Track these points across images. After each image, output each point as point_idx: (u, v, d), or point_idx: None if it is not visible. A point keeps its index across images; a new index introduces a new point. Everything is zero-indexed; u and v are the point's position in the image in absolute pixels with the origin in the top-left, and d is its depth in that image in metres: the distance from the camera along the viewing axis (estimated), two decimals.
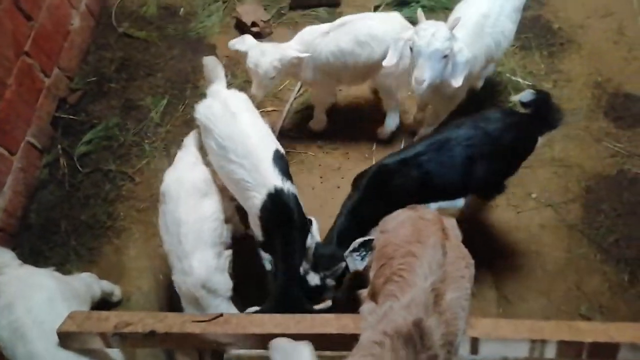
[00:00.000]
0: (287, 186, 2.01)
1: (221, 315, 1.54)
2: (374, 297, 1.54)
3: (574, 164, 2.71)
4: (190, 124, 3.07)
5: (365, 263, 1.91)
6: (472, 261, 1.58)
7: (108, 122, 3.08)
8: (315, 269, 2.04)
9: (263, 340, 1.52)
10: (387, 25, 2.52)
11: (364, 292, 1.72)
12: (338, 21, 2.59)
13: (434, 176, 2.04)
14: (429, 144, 2.05)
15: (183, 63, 3.32)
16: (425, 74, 2.10)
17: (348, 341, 1.48)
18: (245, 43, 2.51)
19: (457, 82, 2.18)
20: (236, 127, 2.09)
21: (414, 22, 3.22)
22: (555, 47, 3.13)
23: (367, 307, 1.52)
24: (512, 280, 2.42)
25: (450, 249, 1.51)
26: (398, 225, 1.65)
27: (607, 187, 2.62)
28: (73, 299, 1.90)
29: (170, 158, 2.92)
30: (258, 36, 3.36)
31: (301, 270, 2.01)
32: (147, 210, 2.78)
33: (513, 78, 3.01)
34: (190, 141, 2.36)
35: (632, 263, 2.41)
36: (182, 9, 3.56)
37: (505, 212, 2.61)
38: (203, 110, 2.23)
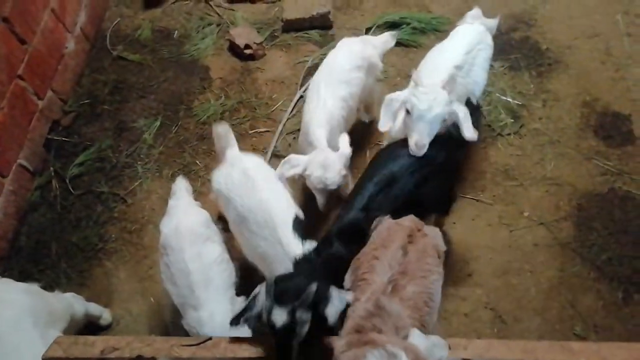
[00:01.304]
0: (306, 247, 1.96)
1: (210, 338, 1.52)
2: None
3: (565, 182, 2.72)
4: (182, 145, 3.08)
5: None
6: (439, 269, 1.72)
7: (101, 144, 3.09)
8: (279, 300, 1.57)
9: None
10: None
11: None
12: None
13: (393, 211, 2.02)
14: (378, 183, 2.07)
15: (176, 85, 3.35)
16: (426, 138, 2.07)
17: None
18: (297, 165, 2.23)
19: (471, 136, 2.14)
20: (256, 197, 2.04)
21: (403, 44, 3.34)
22: (543, 67, 3.18)
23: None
24: (507, 300, 2.41)
25: (413, 251, 1.66)
26: (375, 235, 1.80)
27: (599, 205, 2.63)
28: (46, 317, 1.85)
29: (162, 180, 2.94)
30: (251, 58, 3.41)
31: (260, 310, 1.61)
32: (139, 231, 2.76)
33: (503, 98, 3.05)
34: (179, 186, 2.30)
35: (625, 281, 2.40)
36: (176, 32, 3.61)
37: (499, 230, 2.61)
38: (223, 179, 2.19)
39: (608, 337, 2.26)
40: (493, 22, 2.66)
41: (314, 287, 1.54)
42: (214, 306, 1.88)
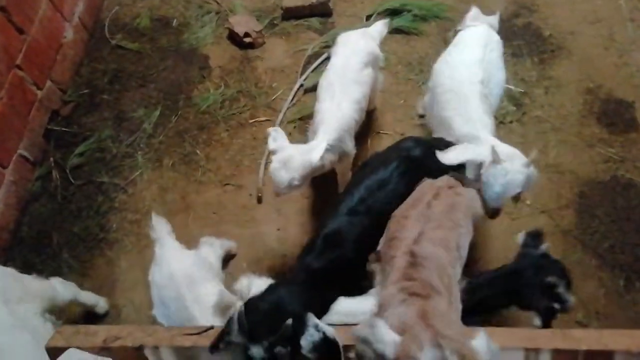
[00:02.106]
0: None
1: (212, 327, 1.53)
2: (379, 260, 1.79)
3: (567, 170, 2.70)
4: (182, 134, 3.07)
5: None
6: (469, 227, 1.84)
7: (101, 134, 3.08)
8: (253, 337, 1.50)
9: None
10: None
11: (372, 256, 1.88)
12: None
13: (384, 213, 1.98)
14: (368, 187, 2.03)
15: (176, 74, 3.33)
16: (500, 203, 2.03)
17: None
18: (275, 142, 2.17)
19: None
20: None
21: (404, 31, 3.30)
22: (546, 53, 3.14)
23: (374, 266, 1.81)
24: None
25: (441, 204, 1.75)
26: (409, 196, 1.89)
27: (601, 193, 2.62)
28: (18, 294, 1.87)
29: (163, 169, 2.93)
30: (250, 46, 3.38)
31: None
32: (140, 221, 2.76)
33: (505, 85, 3.02)
34: (160, 230, 2.17)
35: (627, 269, 2.40)
36: (175, 21, 3.57)
37: (500, 219, 2.58)
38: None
39: (610, 324, 2.26)
40: (494, 19, 2.52)
41: (289, 322, 1.47)
42: None
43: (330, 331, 1.46)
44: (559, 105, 2.94)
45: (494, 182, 1.96)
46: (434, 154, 2.01)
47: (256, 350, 1.48)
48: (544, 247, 1.86)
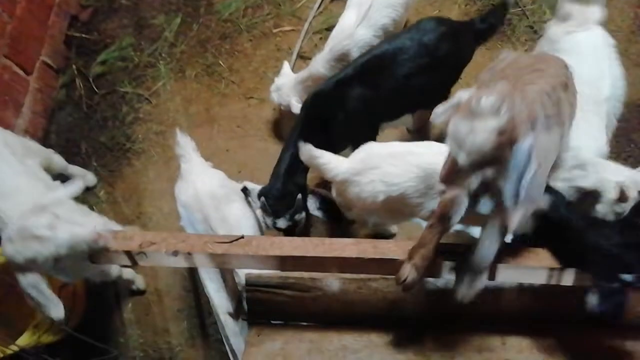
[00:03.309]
0: None
1: (242, 237, 1.57)
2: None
3: None
4: (204, 44, 2.97)
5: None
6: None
7: (122, 42, 3.00)
8: (278, 214, 2.00)
9: (282, 262, 1.56)
10: None
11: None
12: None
13: (372, 98, 1.97)
14: (363, 65, 1.98)
15: None
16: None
17: (367, 265, 1.52)
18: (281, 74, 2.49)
19: None
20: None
21: None
22: None
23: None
24: None
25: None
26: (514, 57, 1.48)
27: None
28: (21, 149, 2.06)
29: (186, 81, 2.87)
30: None
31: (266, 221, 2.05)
32: (165, 133, 2.77)
33: None
34: (185, 147, 2.11)
35: None
36: None
37: None
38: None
39: None
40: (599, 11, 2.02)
41: (299, 197, 1.99)
42: None
43: (325, 192, 1.93)
44: (607, 19, 2.71)
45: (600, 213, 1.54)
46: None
47: (282, 222, 2.00)
48: None
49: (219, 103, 2.81)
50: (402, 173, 1.70)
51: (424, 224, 1.50)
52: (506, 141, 1.21)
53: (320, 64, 2.31)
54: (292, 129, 2.11)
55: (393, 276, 1.47)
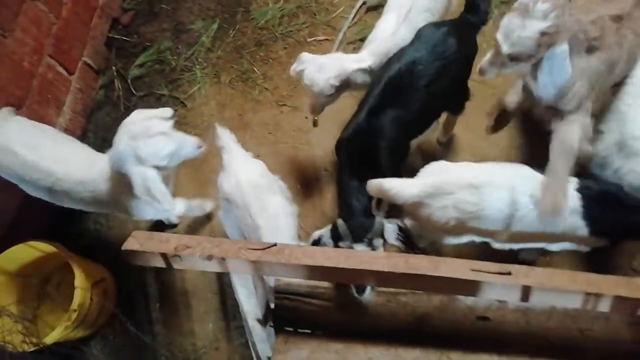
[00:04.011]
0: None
1: (275, 244, 1.59)
2: None
3: None
4: (240, 50, 3.02)
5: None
6: None
7: (160, 45, 3.07)
8: (358, 239, 1.86)
9: (313, 272, 1.57)
10: None
11: None
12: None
13: (404, 117, 1.99)
14: (384, 89, 1.99)
15: None
16: None
17: (397, 279, 1.52)
18: (301, 61, 2.24)
19: None
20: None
21: None
22: None
23: None
24: None
25: None
26: None
27: None
28: None
29: (220, 86, 2.93)
30: None
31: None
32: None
33: None
34: (225, 139, 2.16)
35: None
36: None
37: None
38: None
39: None
40: None
41: (379, 221, 1.81)
42: None
43: (400, 221, 1.81)
44: None
45: None
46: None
47: (361, 247, 1.82)
48: None
49: (252, 109, 2.85)
50: (478, 202, 1.74)
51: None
52: (546, 42, 1.54)
53: (358, 62, 2.24)
54: (339, 169, 2.11)
55: (422, 291, 1.47)
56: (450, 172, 1.83)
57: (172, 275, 2.51)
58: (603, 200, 1.78)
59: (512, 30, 1.58)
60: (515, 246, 1.94)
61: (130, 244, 1.64)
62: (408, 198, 1.82)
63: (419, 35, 2.07)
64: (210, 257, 1.57)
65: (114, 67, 3.04)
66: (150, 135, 1.86)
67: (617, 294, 1.42)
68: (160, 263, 1.65)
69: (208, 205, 2.55)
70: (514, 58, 1.65)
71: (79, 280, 2.13)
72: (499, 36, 1.63)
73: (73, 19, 2.76)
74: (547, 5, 1.53)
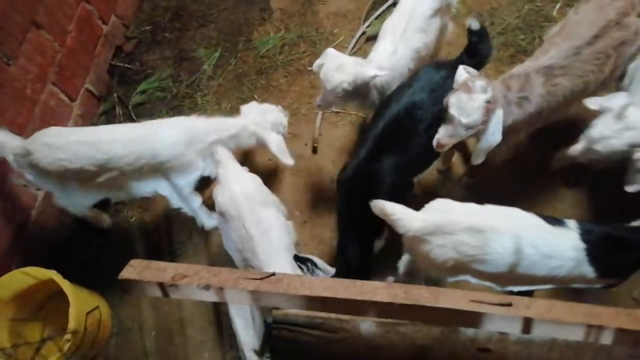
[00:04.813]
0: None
1: (273, 274, 1.57)
2: None
3: None
4: (241, 78, 3.06)
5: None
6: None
7: (162, 73, 3.11)
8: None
9: (311, 302, 1.55)
10: None
11: None
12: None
13: (403, 161, 2.04)
14: (381, 133, 2.05)
15: (236, 14, 3.28)
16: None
17: (397, 310, 1.50)
18: (325, 55, 2.27)
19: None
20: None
21: None
22: None
23: None
24: None
25: None
26: None
27: None
28: None
29: (221, 112, 2.95)
30: None
31: None
32: None
33: None
34: (223, 154, 2.22)
35: None
36: None
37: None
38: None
39: None
40: None
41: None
42: (276, 267, 1.86)
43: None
44: None
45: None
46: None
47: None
48: None
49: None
50: (480, 246, 1.74)
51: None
52: (490, 109, 1.90)
53: (377, 70, 2.25)
54: (339, 207, 2.19)
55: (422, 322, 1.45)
56: (454, 212, 1.82)
57: (168, 302, 2.47)
58: (606, 243, 1.78)
59: (464, 104, 1.88)
60: (522, 289, 1.92)
61: (127, 273, 1.63)
62: (408, 230, 1.82)
63: (418, 77, 2.10)
64: (207, 287, 1.56)
65: (115, 94, 3.07)
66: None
67: (620, 327, 1.40)
68: (157, 293, 1.63)
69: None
70: (470, 127, 1.91)
71: (74, 308, 2.10)
72: (454, 111, 1.90)
73: (77, 48, 2.80)
74: (483, 82, 1.89)
